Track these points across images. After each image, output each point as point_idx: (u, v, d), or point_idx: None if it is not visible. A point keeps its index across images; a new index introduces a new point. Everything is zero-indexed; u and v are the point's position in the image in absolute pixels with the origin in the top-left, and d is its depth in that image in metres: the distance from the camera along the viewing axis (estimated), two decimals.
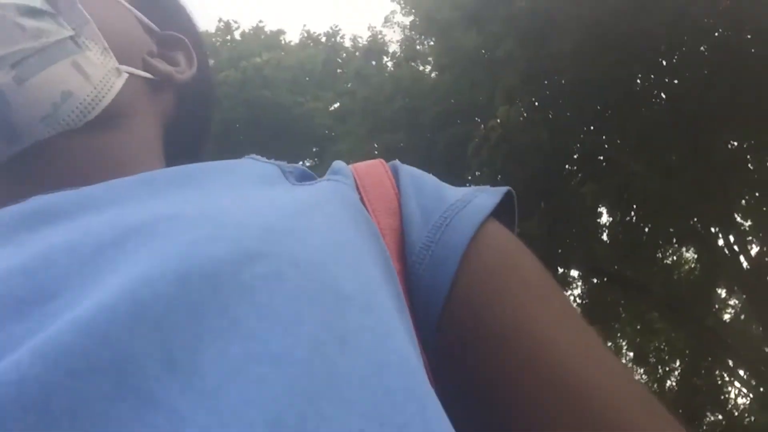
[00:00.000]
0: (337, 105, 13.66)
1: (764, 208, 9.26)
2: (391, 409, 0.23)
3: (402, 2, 14.89)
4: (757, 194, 9.16)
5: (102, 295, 0.23)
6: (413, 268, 0.36)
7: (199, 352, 0.22)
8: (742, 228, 9.73)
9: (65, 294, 0.24)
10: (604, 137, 9.71)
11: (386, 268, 0.33)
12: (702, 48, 8.53)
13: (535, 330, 0.33)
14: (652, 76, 9.44)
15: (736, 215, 9.50)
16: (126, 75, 0.46)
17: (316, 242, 0.30)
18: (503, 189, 0.41)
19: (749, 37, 8.10)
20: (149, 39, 0.52)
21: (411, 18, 14.49)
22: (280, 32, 16.03)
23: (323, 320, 0.25)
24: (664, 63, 9.34)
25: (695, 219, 9.35)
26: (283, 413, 0.21)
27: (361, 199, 0.39)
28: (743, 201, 9.50)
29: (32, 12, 0.41)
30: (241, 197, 0.35)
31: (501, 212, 0.40)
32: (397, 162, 0.44)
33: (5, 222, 0.32)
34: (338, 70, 14.87)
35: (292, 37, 15.18)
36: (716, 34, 8.51)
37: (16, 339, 0.22)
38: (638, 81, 9.42)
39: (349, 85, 13.92)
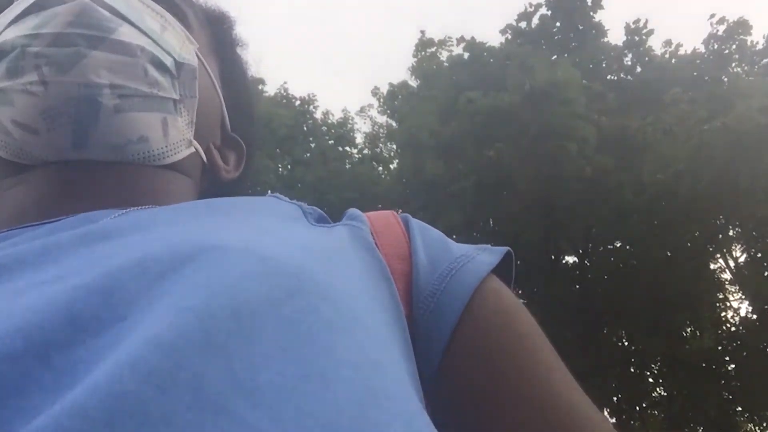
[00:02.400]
0: (288, 171, 13.71)
1: None
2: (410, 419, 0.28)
3: (381, 101, 15.40)
4: None
5: (172, 318, 0.25)
6: (419, 313, 0.39)
7: (258, 373, 0.25)
8: None
9: (135, 314, 0.27)
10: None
11: (396, 312, 0.37)
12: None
13: (531, 371, 0.38)
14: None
15: None
16: (193, 149, 0.52)
17: (340, 283, 0.33)
18: (503, 249, 0.45)
19: None
20: (220, 132, 0.59)
21: (385, 118, 14.90)
22: (260, 81, 16.05)
23: (357, 346, 0.29)
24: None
25: None
26: (336, 420, 0.25)
27: (375, 243, 0.41)
28: None
29: (160, 66, 0.47)
30: (273, 233, 0.38)
31: (499, 271, 0.43)
32: (407, 214, 0.47)
33: (64, 235, 0.35)
34: (301, 137, 14.88)
35: (270, 89, 14.79)
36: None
37: (99, 353, 0.25)
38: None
39: (307, 155, 14.02)
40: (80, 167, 0.45)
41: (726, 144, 8.83)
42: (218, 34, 0.61)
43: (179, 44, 0.50)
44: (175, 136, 0.49)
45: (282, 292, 0.29)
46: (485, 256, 0.43)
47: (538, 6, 13.86)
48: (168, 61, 0.48)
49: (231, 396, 0.24)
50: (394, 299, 0.37)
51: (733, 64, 13.63)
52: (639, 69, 13.50)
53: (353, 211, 0.46)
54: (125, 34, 0.45)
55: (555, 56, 12.50)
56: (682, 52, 13.88)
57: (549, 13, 13.79)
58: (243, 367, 0.25)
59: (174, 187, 0.50)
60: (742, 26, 13.78)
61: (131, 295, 0.28)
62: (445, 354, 0.38)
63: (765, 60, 13.92)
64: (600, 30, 13.72)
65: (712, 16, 14.38)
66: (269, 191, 0.55)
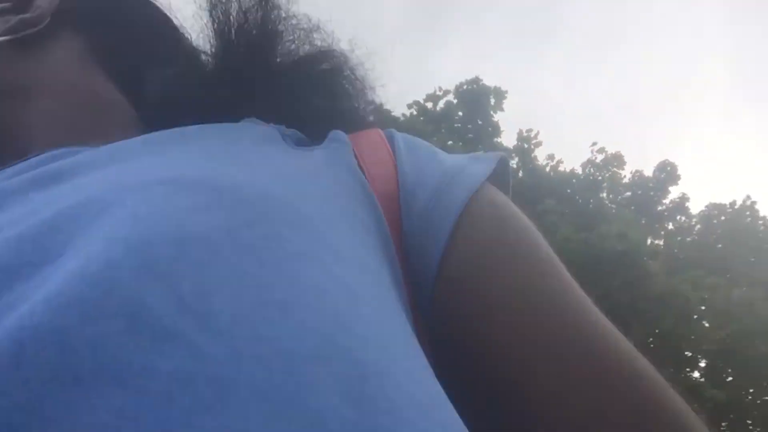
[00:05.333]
0: None
1: None
2: (395, 349, 0.25)
3: None
4: None
5: (103, 252, 0.23)
6: (409, 234, 0.35)
7: (210, 296, 0.23)
8: None
9: (68, 253, 0.24)
10: None
11: (382, 237, 0.33)
12: None
13: (542, 286, 0.34)
14: None
15: None
16: None
17: (313, 209, 0.30)
18: (497, 155, 0.41)
19: None
20: None
21: None
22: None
23: (325, 273, 0.27)
24: None
25: None
26: (297, 348, 0.22)
27: (359, 164, 0.37)
28: None
29: None
30: (240, 158, 0.34)
31: (494, 179, 0.40)
32: (392, 130, 0.43)
33: (14, 181, 0.32)
34: None
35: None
36: None
37: (25, 296, 0.22)
38: None
39: None
40: None
41: (585, 258, 9.53)
42: None
43: None
44: None
45: (239, 221, 0.27)
46: (478, 165, 0.39)
47: (446, 92, 14.65)
48: None
49: (176, 319, 0.22)
50: (379, 224, 0.33)
51: (603, 192, 14.99)
52: (521, 174, 14.44)
53: (335, 132, 0.41)
54: None
55: (451, 142, 13.11)
56: (561, 168, 15.11)
57: (455, 101, 14.59)
58: (191, 291, 0.23)
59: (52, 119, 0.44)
60: (617, 159, 15.33)
61: (66, 237, 0.25)
62: (438, 277, 0.34)
63: (628, 193, 15.48)
64: (496, 129, 14.66)
65: (594, 144, 15.90)
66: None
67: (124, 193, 0.28)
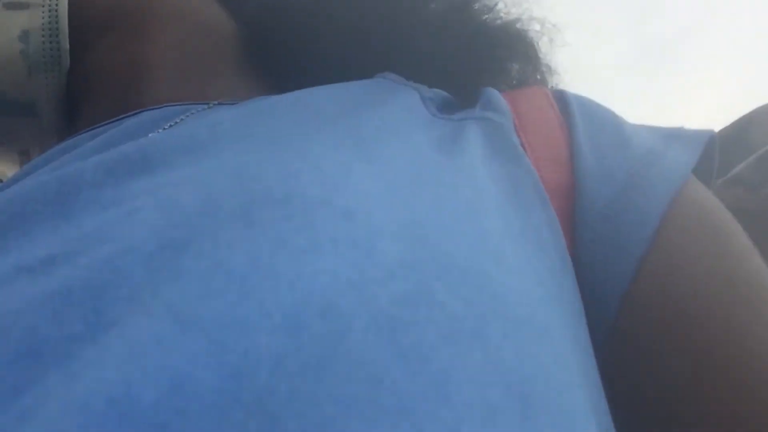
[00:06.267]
0: None
1: None
2: None
3: None
4: None
5: (164, 355, 0.16)
6: (585, 242, 0.27)
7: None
8: None
9: (116, 329, 0.18)
10: None
11: (559, 254, 0.25)
12: None
13: (753, 346, 0.25)
14: None
15: None
16: None
17: (470, 233, 0.23)
18: (705, 134, 0.31)
19: None
20: None
21: None
22: None
23: (494, 370, 0.19)
24: None
25: None
26: None
27: (521, 143, 0.29)
28: None
29: None
30: (372, 157, 0.26)
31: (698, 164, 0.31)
32: (563, 91, 0.33)
33: (89, 164, 0.25)
34: None
35: None
36: None
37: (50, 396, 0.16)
38: None
39: None
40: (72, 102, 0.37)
41: None
42: None
43: None
44: None
45: (377, 270, 0.19)
46: (679, 150, 0.29)
47: None
48: None
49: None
50: (554, 236, 0.25)
51: None
52: None
53: (490, 93, 0.32)
54: None
55: None
56: None
57: None
58: None
59: (166, 55, 0.37)
60: None
61: (113, 294, 0.18)
62: (624, 302, 0.25)
63: None
64: None
65: None
66: None
67: (227, 216, 0.20)
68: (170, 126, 0.29)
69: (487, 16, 0.37)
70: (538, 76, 0.39)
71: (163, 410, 0.15)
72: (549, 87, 0.34)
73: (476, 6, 0.37)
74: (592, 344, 0.24)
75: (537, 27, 0.38)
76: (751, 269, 0.27)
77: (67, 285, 0.18)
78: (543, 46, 0.38)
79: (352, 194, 0.22)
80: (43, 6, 0.37)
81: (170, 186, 0.23)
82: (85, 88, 0.37)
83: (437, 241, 0.21)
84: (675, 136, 0.31)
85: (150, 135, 0.28)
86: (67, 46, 0.37)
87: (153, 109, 0.31)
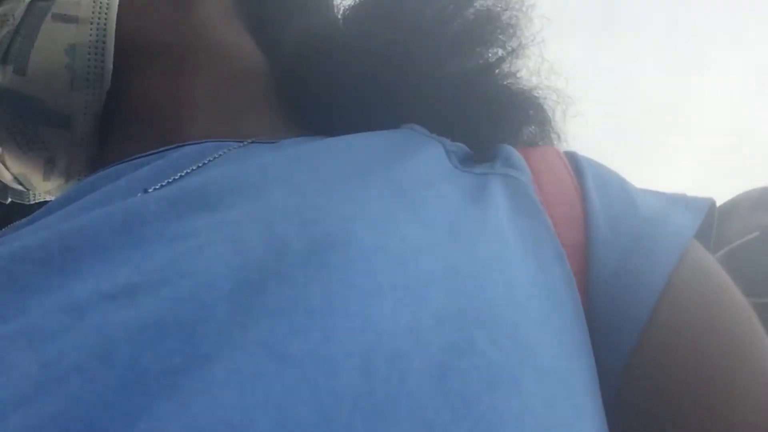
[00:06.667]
0: None
1: None
2: None
3: None
4: None
5: (268, 389, 0.17)
6: (594, 300, 0.28)
7: None
8: None
9: (224, 357, 0.18)
10: None
11: (575, 313, 0.26)
12: None
13: (757, 406, 0.26)
14: None
15: None
16: None
17: (502, 286, 0.24)
18: (706, 201, 0.33)
19: None
20: None
21: None
22: None
23: (527, 415, 0.20)
24: None
25: None
26: None
27: (540, 200, 0.30)
28: None
29: None
30: (413, 207, 0.26)
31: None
32: (574, 152, 0.35)
33: (152, 198, 0.25)
34: None
35: None
36: None
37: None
38: None
39: None
40: (108, 125, 0.38)
41: None
42: None
43: None
44: (85, 6, 0.38)
45: (430, 318, 0.21)
46: (682, 214, 0.31)
47: None
48: None
49: None
50: (570, 292, 0.26)
51: None
52: None
53: (507, 150, 0.33)
54: None
55: None
56: None
57: None
58: None
59: (209, 93, 0.38)
60: None
61: (203, 329, 0.19)
62: (630, 364, 0.26)
63: None
64: None
65: None
66: None
67: (295, 259, 0.21)
68: (209, 161, 0.31)
69: (509, 81, 0.40)
70: (548, 141, 0.41)
71: None
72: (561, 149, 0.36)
73: (499, 70, 0.39)
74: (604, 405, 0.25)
75: (554, 96, 0.40)
76: (752, 332, 0.28)
77: (158, 317, 0.19)
78: (557, 115, 0.41)
79: (401, 241, 0.23)
80: (92, 23, 0.38)
81: (234, 224, 0.24)
82: (124, 110, 0.38)
83: (475, 291, 0.23)
84: (678, 200, 0.33)
85: (203, 174, 0.29)
86: (111, 66, 0.37)
87: (195, 144, 0.32)
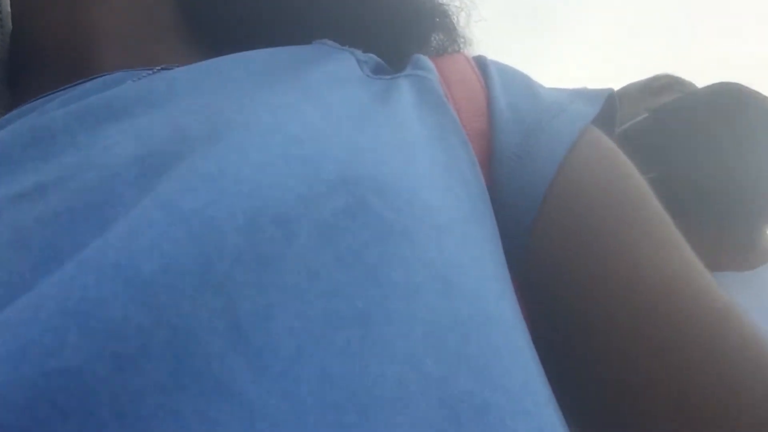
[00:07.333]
0: None
1: None
2: (497, 367, 0.21)
3: None
4: None
5: (156, 237, 0.19)
6: (499, 180, 0.31)
7: (272, 319, 0.18)
8: None
9: (118, 219, 0.21)
10: None
11: (477, 186, 0.28)
12: None
13: (640, 256, 0.29)
14: None
15: None
16: None
17: (402, 161, 0.25)
18: (604, 92, 0.36)
19: None
20: None
21: None
22: None
23: (418, 260, 0.22)
24: None
25: None
26: (376, 388, 0.18)
27: (446, 95, 0.33)
28: None
29: None
30: (318, 100, 0.28)
31: (600, 118, 0.34)
32: (483, 56, 0.38)
33: (59, 113, 0.27)
34: None
35: None
36: None
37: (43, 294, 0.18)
38: None
39: None
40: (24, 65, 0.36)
41: None
42: None
43: None
44: None
45: (320, 186, 0.22)
46: (581, 104, 0.34)
47: None
48: None
49: (229, 360, 0.18)
50: (473, 170, 0.29)
51: None
52: None
53: (418, 57, 0.35)
54: None
55: None
56: None
57: None
58: (250, 311, 0.19)
59: (116, 24, 0.37)
60: None
61: (112, 210, 0.21)
62: (533, 231, 0.30)
63: None
64: None
65: None
66: None
67: (188, 144, 0.23)
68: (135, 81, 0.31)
69: None
70: (456, 47, 0.43)
71: (156, 282, 0.18)
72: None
73: None
74: (511, 268, 0.28)
75: (456, 2, 0.43)
76: (646, 198, 0.32)
77: (69, 206, 0.22)
78: (461, 20, 0.44)
79: (302, 125, 0.25)
80: None
81: (140, 127, 0.26)
82: (30, 52, 0.37)
83: (375, 166, 0.24)
84: (578, 93, 0.36)
85: (110, 92, 0.29)
86: (9, 9, 0.36)
87: (107, 75, 0.32)
